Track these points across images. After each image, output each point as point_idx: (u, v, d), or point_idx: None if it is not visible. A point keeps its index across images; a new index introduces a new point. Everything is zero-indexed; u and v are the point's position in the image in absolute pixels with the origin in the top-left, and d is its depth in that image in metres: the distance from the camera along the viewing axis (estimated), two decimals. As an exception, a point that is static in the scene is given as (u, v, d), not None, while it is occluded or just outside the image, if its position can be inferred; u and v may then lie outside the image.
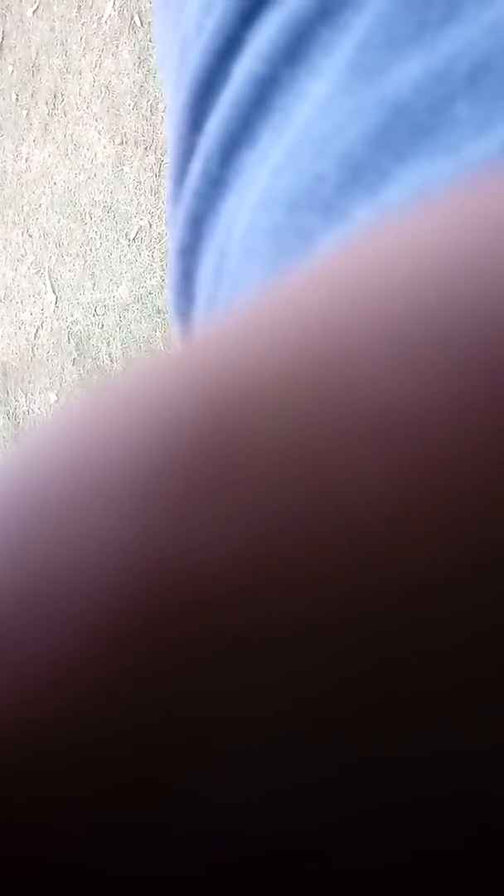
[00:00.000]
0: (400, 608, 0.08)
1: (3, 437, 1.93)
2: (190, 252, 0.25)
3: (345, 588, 0.08)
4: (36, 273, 1.91)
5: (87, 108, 1.82)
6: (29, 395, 1.91)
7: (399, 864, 0.08)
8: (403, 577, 0.08)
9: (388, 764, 0.08)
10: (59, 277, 1.87)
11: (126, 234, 1.75)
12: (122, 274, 1.75)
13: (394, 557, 0.08)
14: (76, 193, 1.84)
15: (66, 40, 1.85)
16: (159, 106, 1.71)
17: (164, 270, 1.69)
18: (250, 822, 0.08)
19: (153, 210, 1.71)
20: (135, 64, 1.74)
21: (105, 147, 1.79)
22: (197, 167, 0.24)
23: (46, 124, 1.89)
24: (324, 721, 0.08)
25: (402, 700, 0.08)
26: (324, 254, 0.19)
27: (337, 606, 0.08)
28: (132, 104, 1.75)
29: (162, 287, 1.69)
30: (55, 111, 1.87)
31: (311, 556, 0.08)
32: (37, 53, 1.90)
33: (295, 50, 0.22)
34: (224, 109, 0.23)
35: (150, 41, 1.71)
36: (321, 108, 0.21)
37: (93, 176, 1.81)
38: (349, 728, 0.08)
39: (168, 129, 0.27)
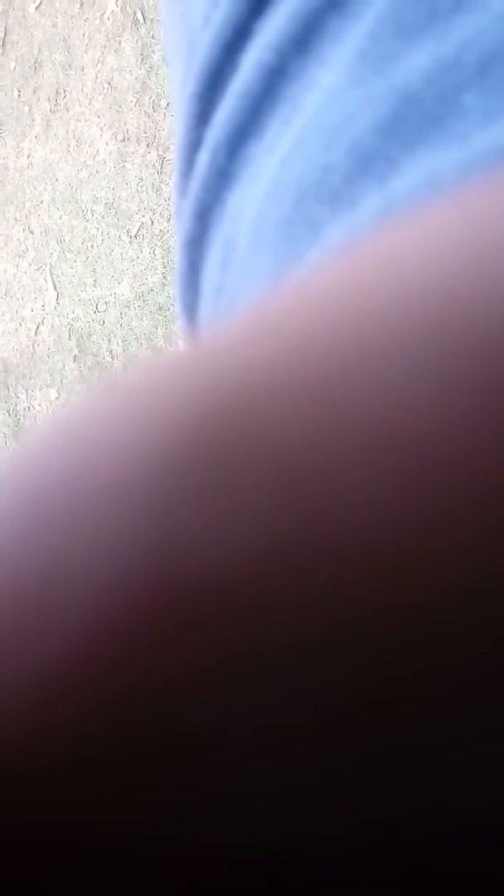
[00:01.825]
0: (404, 627, 0.08)
1: (4, 433, 1.93)
2: (196, 244, 0.25)
3: (347, 606, 0.08)
4: (37, 269, 1.91)
5: (90, 104, 1.82)
6: (30, 391, 1.91)
7: (397, 879, 0.08)
8: (408, 595, 0.08)
9: (391, 780, 0.08)
10: (60, 274, 1.87)
11: (128, 231, 1.75)
12: (123, 271, 1.75)
13: (400, 575, 0.08)
14: (78, 190, 1.84)
15: (69, 36, 1.85)
16: (162, 102, 1.71)
17: (165, 267, 1.69)
18: (249, 835, 0.08)
19: (155, 207, 1.71)
20: (137, 60, 1.74)
21: (107, 144, 1.79)
22: (204, 158, 0.24)
23: (48, 121, 1.89)
24: (328, 737, 0.08)
25: (404, 718, 0.08)
26: (329, 258, 0.19)
27: (339, 624, 0.08)
28: (134, 101, 1.75)
29: (163, 284, 1.69)
30: (57, 107, 1.87)
31: (316, 571, 0.08)
32: (39, 49, 1.90)
33: (304, 40, 0.22)
34: (232, 100, 0.23)
35: (153, 37, 1.71)
36: (330, 97, 0.21)
37: (95, 173, 1.81)
38: (354, 744, 0.08)
39: (175, 121, 0.27)
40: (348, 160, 0.20)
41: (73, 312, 1.84)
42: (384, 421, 0.09)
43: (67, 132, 1.85)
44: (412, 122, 0.19)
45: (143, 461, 0.09)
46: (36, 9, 1.90)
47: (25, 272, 1.92)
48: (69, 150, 1.85)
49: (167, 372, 0.10)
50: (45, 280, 1.89)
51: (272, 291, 0.12)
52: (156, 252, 1.71)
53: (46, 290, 1.89)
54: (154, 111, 1.72)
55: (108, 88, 1.79)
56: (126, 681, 0.08)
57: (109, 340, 1.77)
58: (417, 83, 0.19)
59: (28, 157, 1.92)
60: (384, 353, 0.09)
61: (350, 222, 0.19)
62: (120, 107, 1.77)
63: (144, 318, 1.72)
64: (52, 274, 1.88)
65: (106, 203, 1.79)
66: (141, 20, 1.73)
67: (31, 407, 1.90)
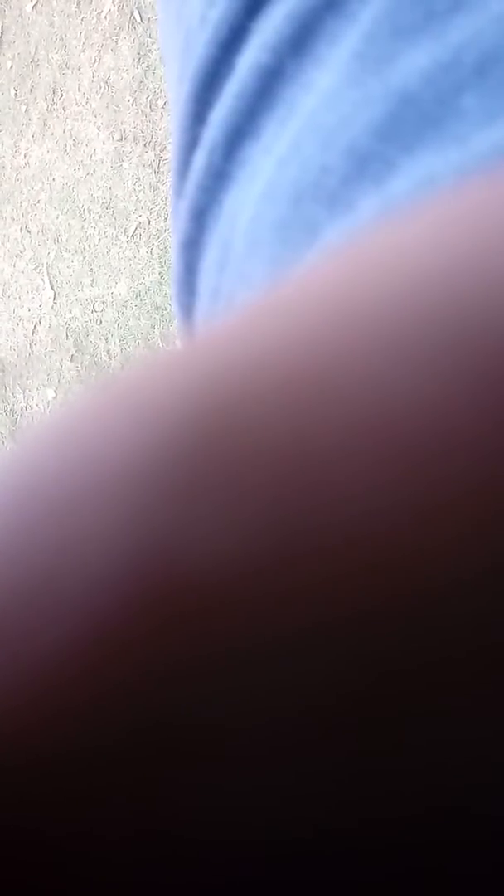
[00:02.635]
0: (403, 621, 0.08)
1: (1, 433, 1.93)
2: (193, 245, 0.25)
3: (345, 599, 0.08)
4: (34, 269, 1.91)
5: (87, 103, 1.82)
6: (27, 391, 1.91)
7: (396, 877, 0.08)
8: (407, 589, 0.08)
9: (387, 776, 0.08)
10: (57, 274, 1.87)
11: (125, 231, 1.75)
12: (120, 270, 1.75)
13: (399, 569, 0.08)
14: (75, 189, 1.84)
15: (66, 35, 1.85)
16: (159, 102, 1.71)
17: (162, 267, 1.69)
18: (248, 831, 0.08)
19: (152, 206, 1.71)
20: (134, 59, 1.74)
21: (104, 143, 1.78)
22: (201, 159, 0.24)
23: (45, 120, 1.89)
24: (324, 732, 0.08)
25: (404, 713, 0.08)
26: (326, 254, 0.19)
27: (339, 617, 0.08)
28: (131, 100, 1.75)
29: (160, 284, 1.69)
30: (54, 107, 1.87)
31: (312, 564, 0.08)
32: (36, 48, 1.90)
33: (301, 41, 0.21)
34: (228, 101, 0.23)
35: (150, 37, 1.71)
36: (327, 99, 0.21)
37: (92, 172, 1.81)
38: (350, 740, 0.08)
39: (171, 121, 0.27)
40: (345, 162, 0.20)
41: (71, 312, 1.84)
42: (381, 413, 0.09)
43: (64, 131, 1.85)
44: (410, 123, 0.19)
45: (137, 456, 0.09)
46: (33, 7, 1.90)
47: (23, 272, 1.92)
48: (66, 150, 1.85)
49: (162, 368, 0.10)
50: (43, 280, 1.89)
51: (267, 289, 0.12)
52: (153, 251, 1.71)
53: (44, 289, 1.89)
54: (151, 110, 1.72)
55: (104, 88, 1.79)
56: (120, 675, 0.08)
57: (107, 340, 1.77)
58: (415, 84, 0.19)
59: (25, 156, 1.92)
60: (380, 345, 0.09)
61: (347, 224, 0.19)
62: (117, 106, 1.77)
63: (142, 318, 1.72)
64: (49, 273, 1.88)
65: (103, 202, 1.79)
66: (138, 19, 1.73)
67: (28, 406, 1.90)
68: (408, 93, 0.19)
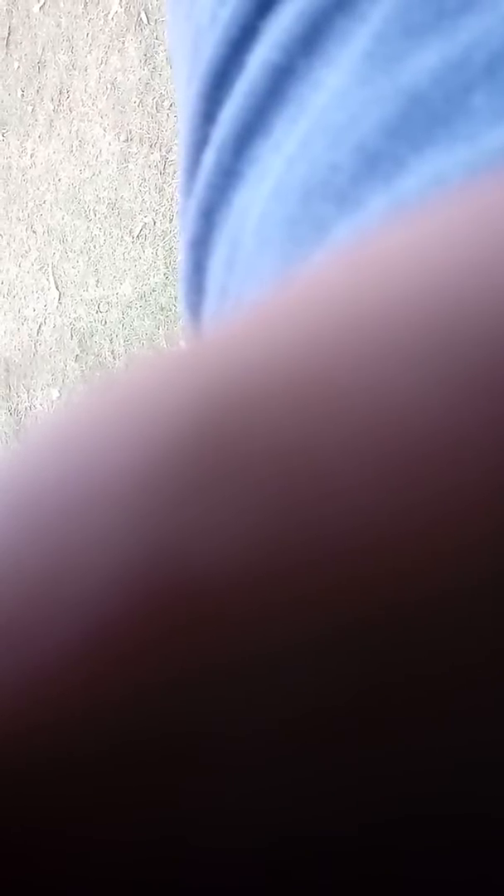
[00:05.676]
0: (408, 627, 0.08)
1: (5, 433, 1.93)
2: (201, 243, 0.25)
3: (350, 606, 0.08)
4: (39, 269, 1.91)
5: (93, 104, 1.82)
6: (31, 391, 1.91)
7: (394, 879, 0.08)
8: (413, 596, 0.08)
9: (388, 781, 0.08)
10: (62, 274, 1.87)
11: (130, 231, 1.75)
12: (125, 271, 1.75)
13: (405, 575, 0.08)
14: (81, 190, 1.84)
15: (73, 36, 1.85)
16: (165, 103, 1.71)
17: (167, 268, 1.69)
18: (249, 835, 0.08)
19: (157, 207, 1.71)
20: (141, 61, 1.74)
21: (110, 144, 1.79)
22: (210, 157, 0.24)
23: (52, 120, 1.89)
24: (326, 737, 0.08)
25: (407, 719, 0.08)
26: (334, 254, 0.19)
27: (342, 623, 0.08)
28: (138, 101, 1.75)
29: (165, 285, 1.69)
30: (61, 107, 1.87)
31: (318, 571, 0.08)
32: (43, 49, 1.90)
33: (311, 39, 0.22)
34: (238, 99, 0.23)
35: (157, 38, 1.71)
36: (336, 97, 0.21)
37: (97, 173, 1.81)
38: (348, 746, 0.08)
39: (179, 120, 0.27)
40: (355, 160, 0.20)
41: (76, 312, 1.84)
42: (387, 420, 0.09)
43: (70, 132, 1.86)
44: (419, 122, 0.19)
45: (141, 459, 0.09)
46: (40, 9, 1.90)
47: (28, 272, 1.92)
48: (72, 151, 1.85)
49: (166, 370, 0.10)
50: (48, 280, 1.89)
51: (274, 290, 0.12)
52: (158, 252, 1.71)
53: (49, 289, 1.89)
54: (157, 112, 1.72)
55: (111, 89, 1.79)
56: (125, 680, 0.08)
57: (111, 340, 1.77)
58: (425, 83, 0.19)
59: (31, 156, 1.93)
60: (386, 352, 0.09)
61: (356, 222, 0.19)
62: (123, 107, 1.77)
63: (146, 319, 1.72)
64: (54, 274, 1.88)
65: (109, 203, 1.79)
66: (145, 21, 1.73)
67: (32, 406, 1.90)
68: (417, 92, 0.19)
